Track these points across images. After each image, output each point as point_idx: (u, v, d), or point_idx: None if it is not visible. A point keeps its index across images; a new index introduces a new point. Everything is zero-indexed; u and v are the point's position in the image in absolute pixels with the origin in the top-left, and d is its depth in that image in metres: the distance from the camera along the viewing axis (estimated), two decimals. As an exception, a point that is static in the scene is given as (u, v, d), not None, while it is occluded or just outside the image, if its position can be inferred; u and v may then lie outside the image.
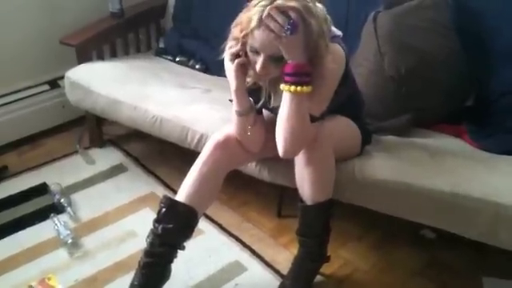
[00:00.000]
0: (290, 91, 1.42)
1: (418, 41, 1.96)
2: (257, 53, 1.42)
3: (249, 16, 1.38)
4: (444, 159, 1.79)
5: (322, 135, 1.55)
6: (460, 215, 1.62)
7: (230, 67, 1.54)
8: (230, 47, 1.51)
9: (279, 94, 1.50)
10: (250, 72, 1.54)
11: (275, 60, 1.41)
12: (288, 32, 1.32)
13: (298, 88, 1.41)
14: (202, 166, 1.63)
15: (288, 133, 1.47)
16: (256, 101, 1.64)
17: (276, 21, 1.32)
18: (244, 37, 1.42)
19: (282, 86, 1.44)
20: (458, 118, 2.02)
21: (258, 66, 1.42)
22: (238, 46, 1.47)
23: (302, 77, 1.41)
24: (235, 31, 1.46)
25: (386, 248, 1.99)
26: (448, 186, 1.63)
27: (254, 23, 1.36)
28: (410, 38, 1.97)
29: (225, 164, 1.67)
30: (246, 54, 1.48)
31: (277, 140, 1.50)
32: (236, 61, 1.50)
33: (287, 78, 1.42)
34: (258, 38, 1.38)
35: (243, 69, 1.52)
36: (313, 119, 1.50)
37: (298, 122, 1.46)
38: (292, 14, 1.32)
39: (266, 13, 1.32)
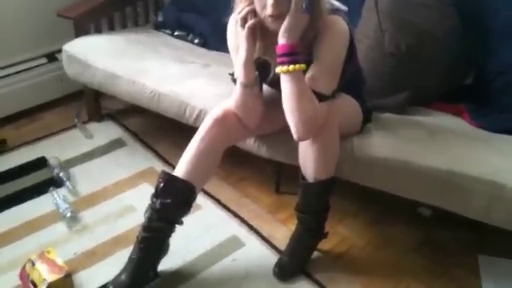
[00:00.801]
0: (284, 71, 1.45)
1: (418, 18, 1.95)
2: None
3: None
4: (442, 138, 1.79)
5: (328, 114, 1.54)
6: (456, 193, 1.63)
7: (241, 34, 1.52)
8: (239, 12, 1.49)
9: None
10: (257, 45, 1.53)
11: None
12: (304, 9, 1.37)
13: (291, 67, 1.44)
14: (199, 141, 1.63)
15: (296, 114, 1.48)
16: (263, 76, 1.63)
17: None
18: None
19: (277, 69, 1.46)
20: (456, 97, 2.02)
21: (269, 7, 1.41)
22: (246, 8, 1.46)
23: (294, 56, 1.44)
24: None
25: (382, 225, 2.01)
26: (445, 164, 1.64)
27: None
28: (410, 14, 1.95)
29: (223, 140, 1.66)
30: (255, 15, 1.47)
31: (290, 125, 1.51)
32: (247, 24, 1.48)
33: (279, 60, 1.45)
34: None
35: (254, 35, 1.50)
36: (323, 98, 1.50)
37: (302, 100, 1.46)
38: None
39: None
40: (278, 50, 1.45)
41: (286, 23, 1.42)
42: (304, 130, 1.50)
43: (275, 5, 1.40)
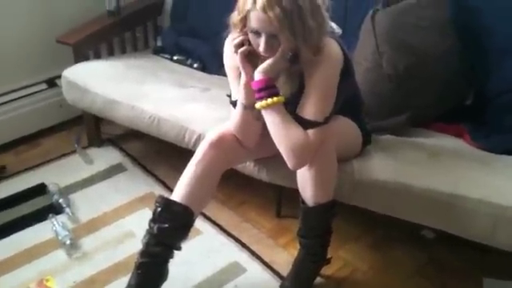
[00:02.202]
0: (264, 106, 1.49)
1: (416, 39, 1.95)
2: (258, 34, 1.43)
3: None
4: (443, 159, 1.78)
5: (324, 137, 1.54)
6: (459, 216, 1.61)
7: (233, 60, 1.54)
8: (234, 39, 1.50)
9: (281, 85, 1.54)
10: (259, 64, 1.53)
11: (277, 37, 1.42)
12: (288, 58, 1.46)
13: (269, 100, 1.48)
14: (196, 165, 1.63)
15: (284, 144, 1.51)
16: None
17: None
18: (242, 20, 1.43)
19: (257, 106, 1.51)
20: (456, 117, 2.01)
21: (261, 47, 1.44)
22: (241, 36, 1.48)
23: (270, 89, 1.49)
24: (234, 17, 1.47)
25: (384, 248, 1.99)
26: (447, 186, 1.62)
27: (248, 5, 1.39)
28: (408, 36, 1.96)
29: (220, 163, 1.66)
30: (249, 43, 1.48)
31: (283, 156, 1.53)
32: (239, 50, 1.50)
33: (257, 95, 1.50)
34: (255, 18, 1.39)
35: (249, 59, 1.52)
36: (316, 124, 1.50)
37: (287, 129, 1.50)
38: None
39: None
40: (255, 86, 1.49)
41: (265, 63, 1.47)
42: (296, 159, 1.51)
43: (266, 49, 1.43)
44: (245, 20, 1.43)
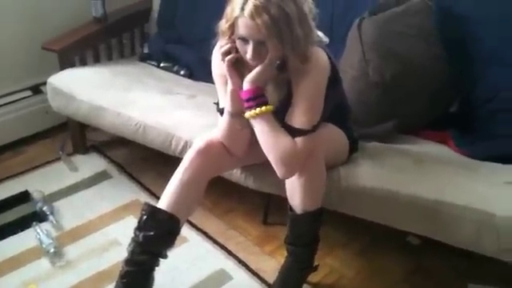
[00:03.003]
0: (253, 115, 1.50)
1: (402, 47, 1.97)
2: (245, 41, 1.43)
3: (231, 6, 1.41)
4: (429, 166, 1.79)
5: (313, 145, 1.54)
6: (444, 223, 1.62)
7: (221, 67, 1.54)
8: (221, 47, 1.50)
9: (270, 93, 1.55)
10: (246, 73, 1.53)
11: (264, 44, 1.42)
12: (275, 67, 1.46)
13: (258, 110, 1.49)
14: (183, 173, 1.62)
15: (273, 153, 1.51)
16: None
17: None
18: (230, 28, 1.43)
19: (246, 115, 1.51)
20: (443, 124, 2.03)
21: (248, 55, 1.43)
22: (229, 44, 1.48)
23: (259, 98, 1.50)
24: (223, 26, 1.47)
25: (371, 255, 1.99)
26: (432, 193, 1.63)
27: (236, 12, 1.39)
28: (394, 44, 1.97)
29: (206, 170, 1.65)
30: (236, 51, 1.48)
31: (272, 164, 1.53)
32: (226, 58, 1.50)
33: (246, 105, 1.50)
34: (243, 25, 1.39)
35: (236, 67, 1.52)
36: (304, 132, 1.50)
37: (276, 138, 1.50)
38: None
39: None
40: (244, 95, 1.50)
41: (253, 72, 1.48)
42: (285, 168, 1.51)
43: (254, 56, 1.44)
44: (233, 27, 1.43)
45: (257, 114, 1.50)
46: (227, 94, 1.56)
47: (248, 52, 1.44)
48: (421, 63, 1.98)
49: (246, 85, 1.49)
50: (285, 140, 1.50)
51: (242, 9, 1.37)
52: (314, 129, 1.52)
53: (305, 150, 1.51)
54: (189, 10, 2.62)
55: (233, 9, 1.40)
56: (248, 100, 1.50)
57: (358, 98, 1.97)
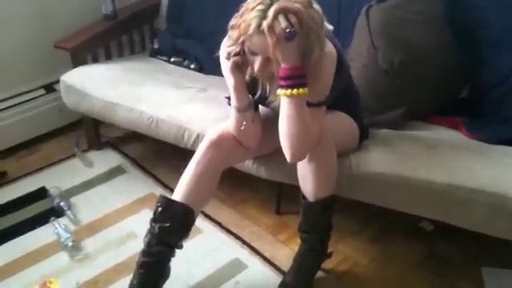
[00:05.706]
0: (287, 95, 1.41)
1: (410, 34, 1.97)
2: (255, 53, 1.42)
3: (246, 21, 1.36)
4: (440, 151, 1.79)
5: (323, 131, 1.54)
6: (457, 206, 1.63)
7: (226, 65, 1.54)
8: (228, 46, 1.50)
9: (275, 86, 1.49)
10: (248, 69, 1.53)
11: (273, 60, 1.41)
12: (286, 39, 1.32)
13: (294, 91, 1.39)
14: (196, 164, 1.64)
15: (292, 138, 1.45)
16: (253, 93, 1.64)
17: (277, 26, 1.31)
18: (240, 37, 1.41)
19: (279, 91, 1.43)
20: (452, 110, 2.03)
21: (256, 67, 1.43)
22: (236, 48, 1.46)
23: (297, 79, 1.39)
24: (233, 34, 1.43)
25: (384, 241, 2.00)
26: (444, 177, 1.64)
27: (252, 29, 1.34)
28: (402, 31, 1.97)
29: (219, 162, 1.67)
30: (242, 53, 1.47)
31: (282, 147, 1.48)
32: (232, 59, 1.50)
33: (282, 83, 1.40)
34: (256, 42, 1.37)
35: (239, 66, 1.52)
36: (319, 104, 1.49)
37: (300, 125, 1.44)
38: (292, 19, 1.31)
39: (270, 18, 1.31)
40: (282, 73, 1.40)
41: (279, 55, 1.38)
42: (297, 153, 1.48)
43: (262, 68, 1.41)
44: (245, 40, 1.41)
45: (287, 96, 1.41)
46: (231, 90, 1.58)
47: (256, 64, 1.42)
48: (429, 49, 1.98)
49: (283, 64, 1.39)
50: (306, 129, 1.45)
51: (259, 26, 1.33)
52: (320, 104, 1.50)
53: (316, 133, 1.49)
54: (196, 4, 2.63)
55: (248, 24, 1.35)
56: (286, 78, 1.39)
57: (367, 86, 1.97)
